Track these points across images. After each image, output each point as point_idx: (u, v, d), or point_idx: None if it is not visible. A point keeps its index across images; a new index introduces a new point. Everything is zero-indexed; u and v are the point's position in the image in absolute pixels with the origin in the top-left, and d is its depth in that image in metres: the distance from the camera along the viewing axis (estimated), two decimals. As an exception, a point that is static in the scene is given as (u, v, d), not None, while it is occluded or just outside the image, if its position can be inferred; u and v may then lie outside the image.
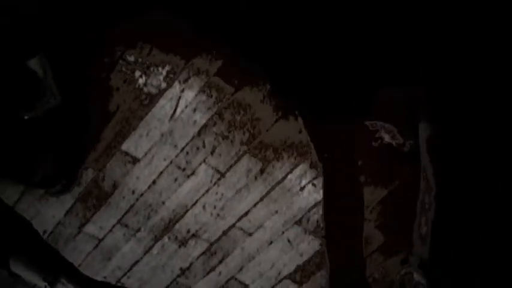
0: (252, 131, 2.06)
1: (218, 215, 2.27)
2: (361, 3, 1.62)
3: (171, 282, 2.53)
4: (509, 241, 1.60)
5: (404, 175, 2.04)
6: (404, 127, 1.83)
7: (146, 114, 2.07)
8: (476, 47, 1.51)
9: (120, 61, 1.98)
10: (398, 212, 2.12)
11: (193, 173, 2.18)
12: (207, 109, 2.04)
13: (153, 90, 2.03)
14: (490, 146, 1.56)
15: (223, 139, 2.09)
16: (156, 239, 2.39)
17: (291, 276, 2.40)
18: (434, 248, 1.62)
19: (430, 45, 1.55)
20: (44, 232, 2.41)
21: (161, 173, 2.20)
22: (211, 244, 2.36)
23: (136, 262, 2.48)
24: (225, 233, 2.32)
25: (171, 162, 2.17)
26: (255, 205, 2.23)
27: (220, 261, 2.41)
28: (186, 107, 2.04)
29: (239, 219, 2.28)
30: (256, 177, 2.16)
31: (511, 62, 1.51)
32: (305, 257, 2.33)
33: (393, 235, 2.20)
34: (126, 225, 2.36)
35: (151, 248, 2.42)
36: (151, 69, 1.99)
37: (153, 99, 2.05)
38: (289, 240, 2.30)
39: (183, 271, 2.47)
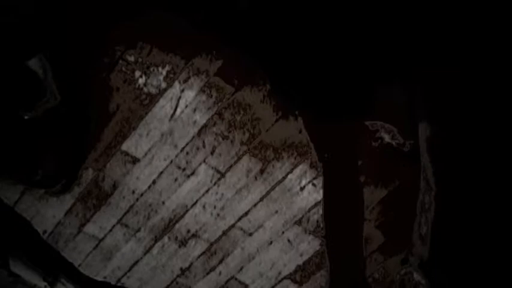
0: (252, 131, 2.06)
1: (218, 215, 2.27)
2: (361, 3, 1.62)
3: (171, 282, 2.52)
4: (508, 241, 1.60)
5: (404, 175, 2.03)
6: (405, 127, 1.83)
7: (146, 114, 2.07)
8: (475, 46, 1.51)
9: (120, 61, 1.98)
10: (398, 212, 2.12)
11: (193, 173, 2.18)
12: (207, 109, 2.04)
13: (153, 90, 2.03)
14: (489, 145, 1.56)
15: (223, 139, 2.09)
16: (156, 239, 2.39)
17: (291, 276, 2.39)
18: (434, 248, 1.62)
19: (428, 44, 1.55)
20: (44, 232, 2.41)
21: (161, 173, 2.20)
22: (211, 244, 2.36)
23: (136, 262, 2.48)
24: (225, 233, 2.32)
25: (171, 162, 2.17)
26: (255, 205, 2.23)
27: (220, 261, 2.41)
28: (186, 107, 2.04)
29: (239, 219, 2.28)
30: (256, 177, 2.16)
31: (509, 60, 1.51)
32: (305, 257, 2.33)
33: (393, 235, 2.20)
34: (126, 225, 2.36)
35: (151, 248, 2.42)
36: (151, 69, 1.99)
37: (153, 99, 2.05)
38: (289, 240, 2.30)
39: (183, 271, 2.47)
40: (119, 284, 2.58)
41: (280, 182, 2.16)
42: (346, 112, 1.82)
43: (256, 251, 2.36)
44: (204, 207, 2.26)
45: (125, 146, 2.15)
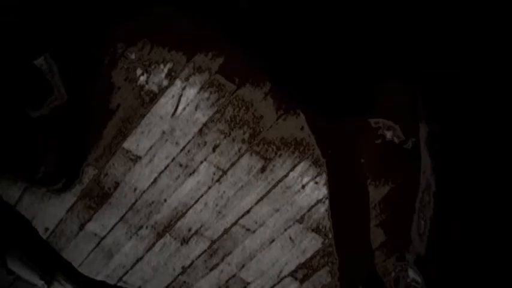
0: (253, 129, 2.06)
1: (220, 213, 2.27)
2: (362, 2, 1.62)
3: (173, 281, 2.53)
4: (506, 239, 1.60)
5: (406, 172, 2.03)
6: (407, 124, 1.83)
7: (148, 112, 2.07)
8: (475, 46, 1.51)
9: (122, 59, 1.98)
10: (400, 209, 2.12)
11: (194, 171, 2.18)
12: (209, 107, 2.04)
13: (155, 88, 2.03)
14: (488, 144, 1.56)
15: (224, 137, 2.09)
16: (158, 237, 2.39)
17: (292, 274, 2.39)
18: (431, 244, 1.63)
19: (429, 44, 1.55)
20: (46, 230, 2.41)
21: (163, 171, 2.20)
22: (213, 242, 2.36)
23: (138, 260, 2.48)
24: (226, 231, 2.32)
25: (172, 160, 2.16)
26: (256, 203, 2.23)
27: (222, 259, 2.41)
28: (188, 104, 2.04)
29: (241, 217, 2.28)
30: (257, 175, 2.16)
31: (509, 59, 1.51)
32: (307, 255, 2.33)
33: (395, 233, 2.20)
34: (128, 224, 2.36)
35: (153, 246, 2.42)
36: (153, 67, 1.99)
37: (154, 97, 2.04)
38: (290, 238, 2.30)
39: (184, 269, 2.47)
40: (120, 283, 2.58)
41: (281, 179, 2.16)
42: (348, 109, 1.82)
43: (258, 249, 2.36)
44: (205, 205, 2.26)
45: (126, 144, 2.15)
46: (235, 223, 2.29)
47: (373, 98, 1.79)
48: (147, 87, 2.03)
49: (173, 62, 1.98)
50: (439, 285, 1.68)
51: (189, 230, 2.34)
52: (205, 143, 2.12)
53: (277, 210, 2.24)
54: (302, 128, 2.01)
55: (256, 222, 2.28)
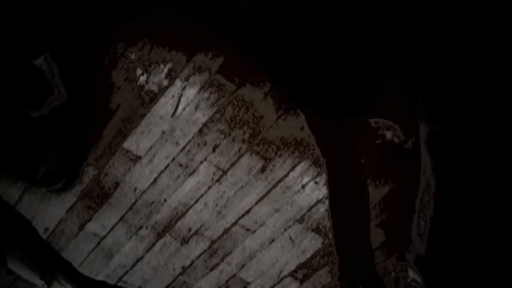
0: (253, 129, 2.06)
1: (219, 213, 2.27)
2: (363, 1, 1.62)
3: (173, 281, 2.53)
4: (506, 239, 1.60)
5: (406, 172, 2.03)
6: (407, 124, 1.83)
7: (148, 112, 2.07)
8: (475, 46, 1.51)
9: (122, 59, 1.98)
10: (400, 209, 2.12)
11: (194, 171, 2.18)
12: (209, 107, 2.04)
13: (155, 88, 2.03)
14: (488, 144, 1.56)
15: (224, 137, 2.09)
16: (158, 237, 2.39)
17: (292, 274, 2.39)
18: (431, 244, 1.63)
19: (429, 44, 1.55)
20: (46, 230, 2.42)
21: (163, 171, 2.20)
22: (213, 242, 2.36)
23: (138, 260, 2.48)
24: (226, 231, 2.32)
25: (172, 160, 2.16)
26: (256, 203, 2.23)
27: (222, 259, 2.41)
28: (188, 104, 2.04)
29: (241, 217, 2.28)
30: (257, 175, 2.16)
31: (509, 59, 1.51)
32: (307, 255, 2.33)
33: (395, 233, 2.20)
34: (128, 224, 2.36)
35: (153, 246, 2.42)
36: (153, 66, 1.99)
37: (154, 97, 2.04)
38: (290, 238, 2.30)
39: (184, 269, 2.47)
40: (120, 283, 2.58)
41: (281, 179, 2.16)
42: (348, 109, 1.82)
43: (258, 249, 2.36)
44: (205, 205, 2.26)
45: (126, 144, 2.15)
46: (235, 223, 2.29)
47: (373, 98, 1.79)
48: (147, 87, 2.03)
49: (173, 62, 1.98)
50: (439, 285, 1.68)
51: (189, 230, 2.34)
52: (205, 143, 2.12)
53: (277, 210, 2.24)
54: (302, 128, 2.01)
55: (256, 222, 2.28)
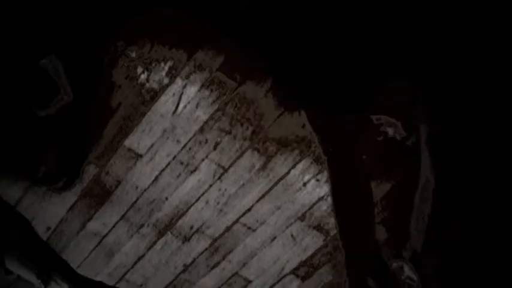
0: (254, 126, 2.06)
1: (221, 210, 2.27)
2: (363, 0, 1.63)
3: (174, 279, 2.53)
4: (504, 237, 1.60)
5: (408, 169, 2.03)
6: (408, 121, 1.83)
7: (148, 110, 2.07)
8: (475, 46, 1.52)
9: (122, 57, 1.98)
10: (402, 207, 2.12)
11: (196, 169, 2.18)
12: (210, 104, 2.04)
13: (156, 86, 2.03)
14: (488, 142, 1.56)
15: (226, 134, 2.09)
16: (159, 235, 2.39)
17: (294, 272, 2.40)
18: (430, 243, 1.63)
19: (429, 44, 1.55)
20: (48, 229, 2.42)
21: (164, 169, 2.20)
22: (215, 240, 2.36)
23: (140, 258, 2.48)
24: (228, 228, 2.32)
25: (173, 158, 2.16)
26: (257, 201, 2.23)
27: (223, 258, 2.41)
28: (189, 102, 2.04)
29: (242, 215, 2.28)
30: (259, 173, 2.16)
31: (509, 59, 1.51)
32: (308, 253, 2.33)
33: (397, 230, 2.20)
34: (129, 222, 2.36)
35: (154, 244, 2.42)
36: (154, 64, 1.99)
37: (155, 95, 2.04)
38: (292, 236, 2.30)
39: (186, 267, 2.47)
40: (121, 281, 2.58)
41: (283, 177, 2.16)
42: (350, 107, 1.82)
43: (259, 247, 2.36)
44: (206, 203, 2.26)
45: (127, 142, 2.15)
46: (237, 221, 2.29)
47: (373, 97, 1.79)
48: (147, 85, 2.03)
49: (174, 60, 1.97)
50: (436, 284, 1.68)
51: (191, 228, 2.34)
52: (206, 141, 2.11)
53: (278, 208, 2.24)
54: (303, 126, 2.01)
55: (257, 220, 2.28)
